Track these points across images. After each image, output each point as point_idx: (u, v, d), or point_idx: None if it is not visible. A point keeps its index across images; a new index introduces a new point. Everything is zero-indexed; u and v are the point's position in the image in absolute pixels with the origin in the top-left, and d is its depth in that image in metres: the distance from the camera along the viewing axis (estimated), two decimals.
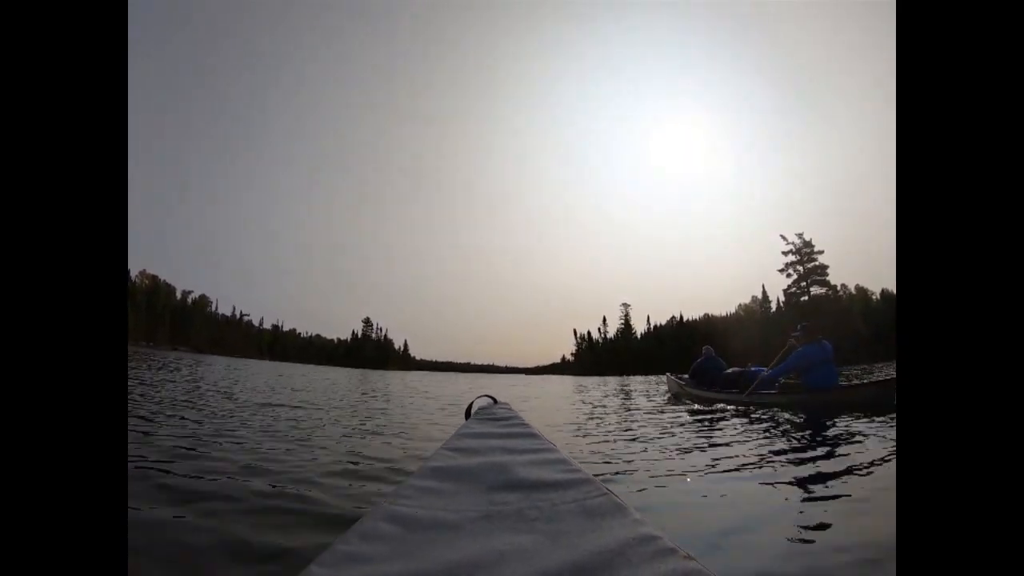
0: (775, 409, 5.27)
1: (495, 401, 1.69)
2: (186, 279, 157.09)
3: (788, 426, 4.05)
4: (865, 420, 4.02)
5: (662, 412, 5.75)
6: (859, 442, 3.08)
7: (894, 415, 4.19)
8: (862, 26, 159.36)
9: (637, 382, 19.76)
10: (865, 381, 6.09)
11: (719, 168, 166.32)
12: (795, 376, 6.02)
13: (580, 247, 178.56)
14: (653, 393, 9.39)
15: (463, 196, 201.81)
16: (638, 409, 6.37)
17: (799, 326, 6.19)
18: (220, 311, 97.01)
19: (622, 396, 9.50)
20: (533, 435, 1.17)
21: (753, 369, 6.89)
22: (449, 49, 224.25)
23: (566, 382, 23.36)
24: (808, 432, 3.69)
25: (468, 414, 1.56)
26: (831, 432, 3.57)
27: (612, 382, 21.30)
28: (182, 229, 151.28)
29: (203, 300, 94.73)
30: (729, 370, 7.32)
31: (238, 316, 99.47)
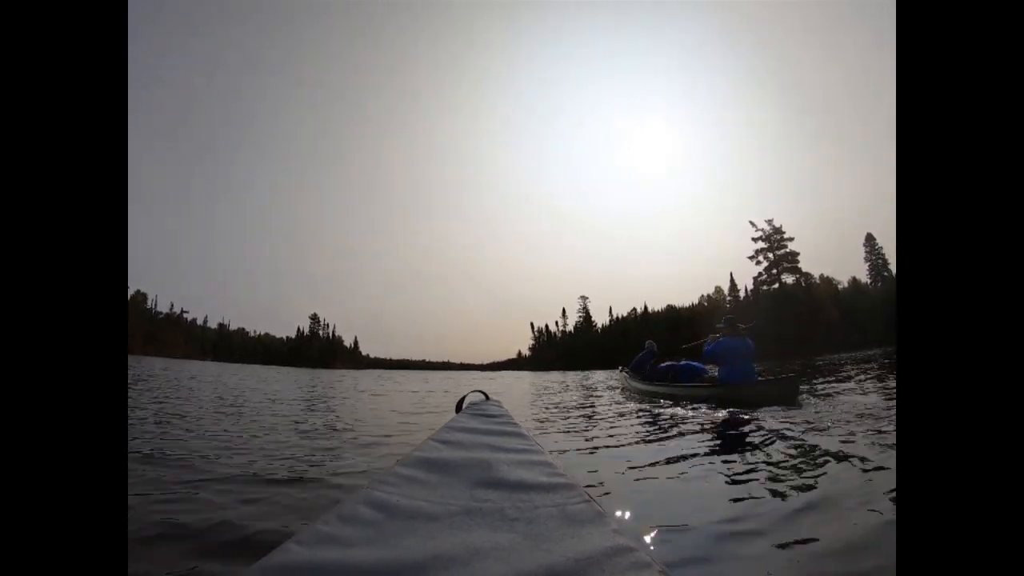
0: (690, 401, 5.72)
1: (487, 397, 1.68)
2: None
3: (698, 416, 4.41)
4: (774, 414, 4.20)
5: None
6: (761, 433, 3.32)
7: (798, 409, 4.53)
8: (832, 15, 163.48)
9: (599, 378, 18.35)
10: (780, 377, 6.18)
11: (684, 162, 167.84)
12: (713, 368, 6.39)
13: (540, 244, 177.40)
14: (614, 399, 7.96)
15: (417, 193, 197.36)
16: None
17: (723, 318, 6.53)
18: (159, 309, 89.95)
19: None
20: (521, 435, 1.17)
21: (683, 363, 7.21)
22: (404, 43, 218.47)
23: (523, 379, 20.53)
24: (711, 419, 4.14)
25: (459, 408, 1.56)
26: (738, 424, 3.85)
27: (572, 378, 18.92)
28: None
29: (138, 296, 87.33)
30: (663, 364, 7.52)
31: (178, 313, 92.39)
